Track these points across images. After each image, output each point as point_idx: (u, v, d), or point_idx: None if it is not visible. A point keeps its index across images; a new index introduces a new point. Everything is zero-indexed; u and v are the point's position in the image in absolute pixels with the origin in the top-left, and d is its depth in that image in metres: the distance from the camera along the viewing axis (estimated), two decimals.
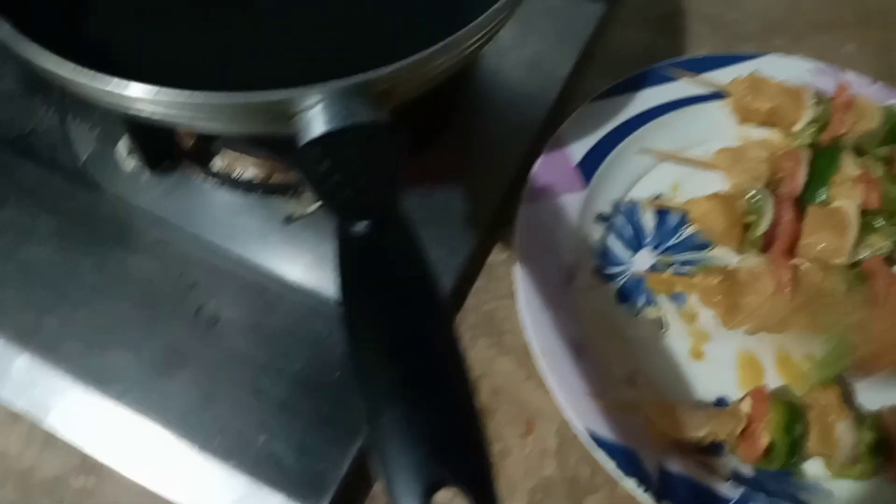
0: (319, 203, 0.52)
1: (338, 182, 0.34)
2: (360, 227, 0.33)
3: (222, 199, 0.53)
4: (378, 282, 0.32)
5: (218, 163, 0.53)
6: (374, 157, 0.35)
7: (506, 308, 0.50)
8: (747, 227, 0.51)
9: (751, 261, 0.50)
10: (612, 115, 0.55)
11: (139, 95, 0.36)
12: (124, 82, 0.36)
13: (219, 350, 0.46)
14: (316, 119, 0.37)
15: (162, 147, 0.52)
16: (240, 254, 0.50)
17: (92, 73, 0.36)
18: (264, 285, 0.48)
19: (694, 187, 0.54)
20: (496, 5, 0.40)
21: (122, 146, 0.54)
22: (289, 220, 0.52)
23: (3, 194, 0.51)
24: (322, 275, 0.49)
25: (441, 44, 0.38)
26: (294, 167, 0.37)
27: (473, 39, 0.40)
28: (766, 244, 0.50)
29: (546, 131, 0.56)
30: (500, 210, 0.53)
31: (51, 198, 0.52)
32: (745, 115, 0.56)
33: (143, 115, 0.39)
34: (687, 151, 0.55)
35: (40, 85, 0.57)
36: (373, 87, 0.38)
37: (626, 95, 0.56)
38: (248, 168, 0.53)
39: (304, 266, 0.49)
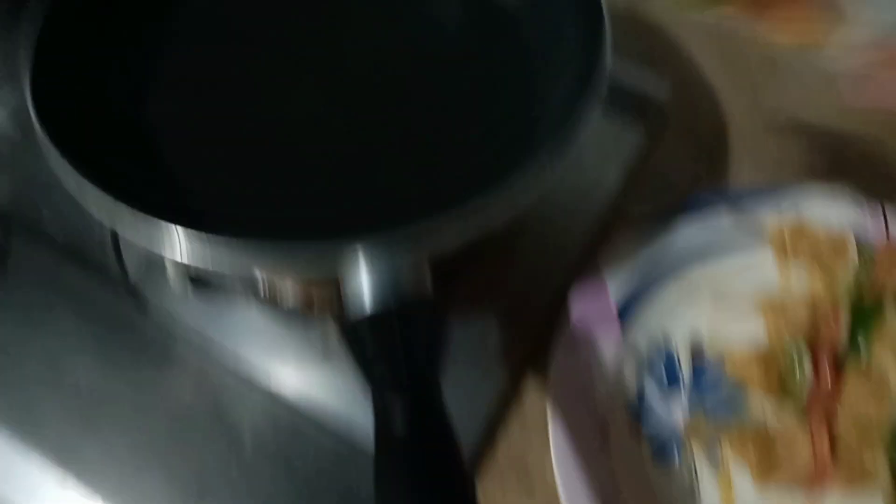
0: None
1: (382, 374, 0.35)
2: (401, 428, 0.33)
3: (263, 328, 0.53)
4: (414, 486, 0.32)
5: (261, 286, 0.54)
6: (419, 344, 0.36)
7: (538, 451, 0.50)
8: (785, 383, 0.50)
9: (788, 419, 0.49)
10: (651, 247, 0.55)
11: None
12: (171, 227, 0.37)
13: (248, 486, 0.46)
14: (363, 289, 0.38)
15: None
16: (276, 387, 0.51)
17: (143, 216, 0.37)
18: (298, 423, 0.49)
19: (731, 329, 0.54)
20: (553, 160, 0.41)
21: (169, 261, 0.55)
22: (327, 353, 0.53)
23: (52, 300, 0.53)
24: (355, 418, 0.49)
25: (498, 198, 0.39)
26: (341, 340, 0.38)
27: (528, 194, 0.40)
28: (806, 406, 0.49)
29: (585, 259, 0.56)
30: (536, 344, 0.53)
31: (97, 308, 0.53)
32: (786, 258, 0.56)
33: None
34: (724, 289, 0.55)
35: None
36: (420, 246, 0.39)
37: (665, 227, 0.56)
38: (289, 296, 0.54)
39: (340, 408, 0.50)
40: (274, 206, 0.45)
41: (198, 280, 0.54)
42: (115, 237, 0.56)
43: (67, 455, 0.47)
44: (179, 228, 0.37)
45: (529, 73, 0.51)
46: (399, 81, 0.52)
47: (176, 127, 0.49)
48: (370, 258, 0.38)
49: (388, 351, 0.35)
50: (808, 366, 0.49)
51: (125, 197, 0.38)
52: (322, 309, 0.53)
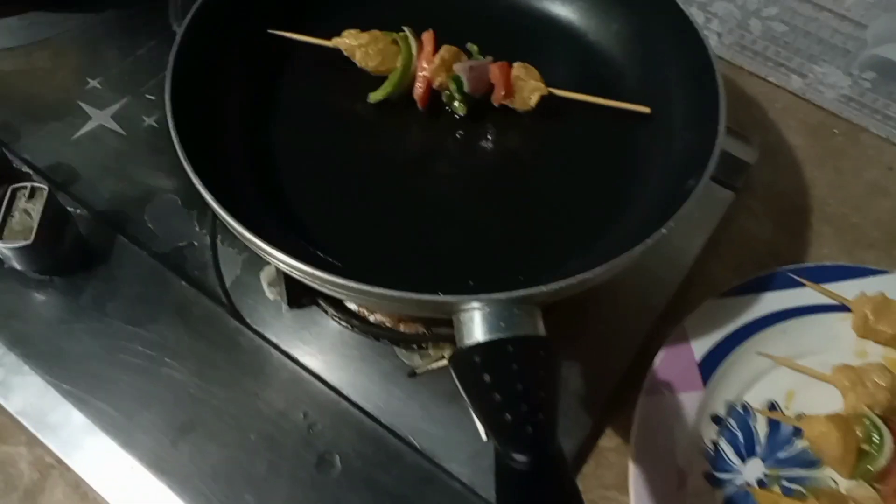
0: (444, 361, 0.54)
1: (499, 403, 0.36)
2: (520, 460, 0.34)
3: (350, 344, 0.55)
4: None
5: (351, 305, 0.56)
6: (535, 377, 0.37)
7: (611, 500, 0.51)
8: (861, 453, 0.51)
9: (862, 490, 0.50)
10: (735, 314, 0.56)
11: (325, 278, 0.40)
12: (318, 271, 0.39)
13: (335, 501, 0.48)
14: (475, 323, 0.40)
15: (305, 286, 0.55)
16: (362, 402, 0.52)
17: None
18: (383, 439, 0.50)
19: (809, 397, 0.55)
20: (655, 234, 0.42)
21: (265, 276, 0.57)
22: (412, 373, 0.54)
23: (156, 308, 0.55)
24: (439, 439, 0.51)
25: (609, 263, 0.41)
26: (452, 370, 0.39)
27: (637, 256, 0.42)
28: (879, 477, 0.50)
29: (666, 316, 0.57)
30: (616, 394, 0.54)
31: (196, 318, 0.55)
32: (867, 333, 0.57)
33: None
34: (804, 359, 0.56)
35: (196, 203, 0.61)
36: (531, 299, 0.40)
37: (750, 296, 0.57)
38: (376, 313, 0.55)
39: (423, 425, 0.51)
40: (400, 254, 0.49)
41: (292, 301, 0.56)
42: (215, 254, 0.59)
43: (159, 458, 0.49)
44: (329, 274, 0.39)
45: (640, 152, 0.53)
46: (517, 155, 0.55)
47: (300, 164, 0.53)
48: (486, 302, 0.40)
49: (504, 380, 0.36)
50: (886, 437, 0.50)
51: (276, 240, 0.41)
52: (412, 335, 0.55)
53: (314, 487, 0.48)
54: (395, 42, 0.54)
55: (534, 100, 0.52)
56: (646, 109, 0.53)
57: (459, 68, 0.52)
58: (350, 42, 0.54)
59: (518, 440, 0.34)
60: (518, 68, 0.53)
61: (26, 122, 0.65)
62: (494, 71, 0.52)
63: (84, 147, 0.64)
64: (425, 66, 0.53)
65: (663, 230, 0.42)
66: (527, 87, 0.52)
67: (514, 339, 0.38)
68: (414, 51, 0.53)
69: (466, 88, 0.52)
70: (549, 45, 0.57)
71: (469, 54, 0.55)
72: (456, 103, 0.54)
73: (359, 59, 0.54)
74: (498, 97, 0.52)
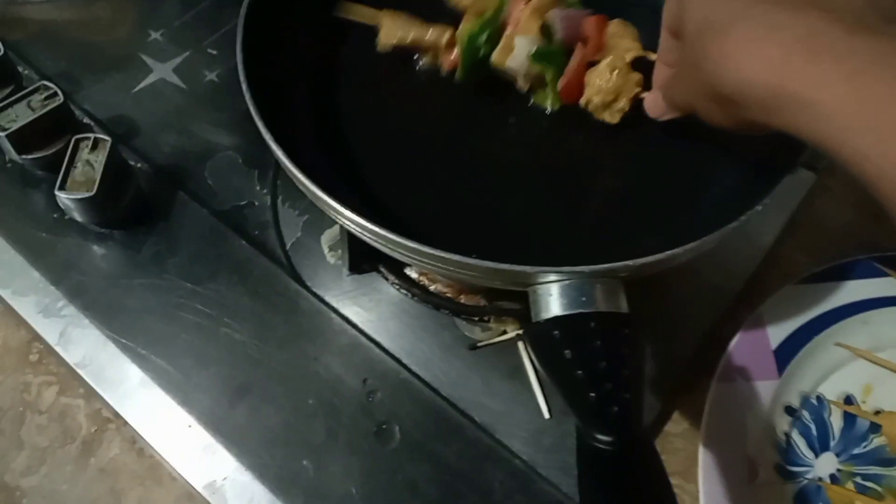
0: (506, 335, 0.52)
1: (582, 381, 0.34)
2: (605, 440, 0.32)
3: (411, 313, 0.54)
4: (621, 500, 0.32)
5: (412, 273, 0.55)
6: (619, 354, 0.35)
7: (676, 487, 0.49)
8: None
9: None
10: (814, 302, 0.54)
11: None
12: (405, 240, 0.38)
13: (392, 476, 0.47)
14: (553, 297, 0.38)
15: (368, 251, 0.54)
16: (422, 373, 0.51)
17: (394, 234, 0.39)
18: (443, 411, 0.49)
19: (887, 391, 0.52)
20: (749, 212, 0.40)
21: (325, 239, 0.56)
22: (473, 346, 0.53)
23: (216, 267, 0.54)
24: (500, 415, 0.49)
25: (701, 240, 0.38)
26: (528, 344, 0.37)
27: (729, 233, 0.39)
28: None
29: (740, 301, 0.55)
30: (685, 377, 0.52)
31: (255, 278, 0.54)
32: None
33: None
34: (884, 352, 0.53)
35: (257, 161, 0.59)
36: (615, 273, 0.38)
37: (830, 284, 0.55)
38: (437, 283, 0.54)
39: (484, 398, 0.50)
40: (469, 222, 0.47)
41: (353, 266, 0.54)
42: (275, 214, 0.58)
43: (216, 418, 0.48)
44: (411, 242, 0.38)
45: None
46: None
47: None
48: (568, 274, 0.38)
49: (587, 356, 0.34)
50: None
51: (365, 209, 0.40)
52: (473, 307, 0.53)
53: (373, 457, 0.47)
54: None
55: (628, 58, 0.49)
56: None
57: (554, 15, 0.49)
58: None
59: (603, 420, 0.33)
60: (615, 25, 0.50)
61: (87, 73, 0.64)
62: (590, 23, 0.49)
63: (145, 100, 0.63)
64: (522, 7, 0.50)
65: (758, 207, 0.40)
66: (620, 46, 0.49)
67: (597, 314, 0.36)
68: None
69: (558, 35, 0.49)
70: (627, 14, 0.54)
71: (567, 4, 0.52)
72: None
73: None
74: (589, 53, 0.49)
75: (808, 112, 0.29)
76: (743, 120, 0.33)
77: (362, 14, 0.52)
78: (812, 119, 0.29)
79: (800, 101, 0.29)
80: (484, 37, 0.49)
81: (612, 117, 0.49)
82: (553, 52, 0.49)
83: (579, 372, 0.34)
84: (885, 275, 0.55)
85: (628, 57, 0.48)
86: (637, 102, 0.49)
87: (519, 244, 0.46)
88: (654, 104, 0.45)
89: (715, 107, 0.35)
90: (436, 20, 0.51)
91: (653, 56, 0.50)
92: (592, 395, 0.33)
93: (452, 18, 0.50)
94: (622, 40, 0.49)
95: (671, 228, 0.45)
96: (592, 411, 0.33)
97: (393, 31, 0.51)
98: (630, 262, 0.37)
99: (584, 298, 0.37)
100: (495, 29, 0.49)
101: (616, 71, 0.48)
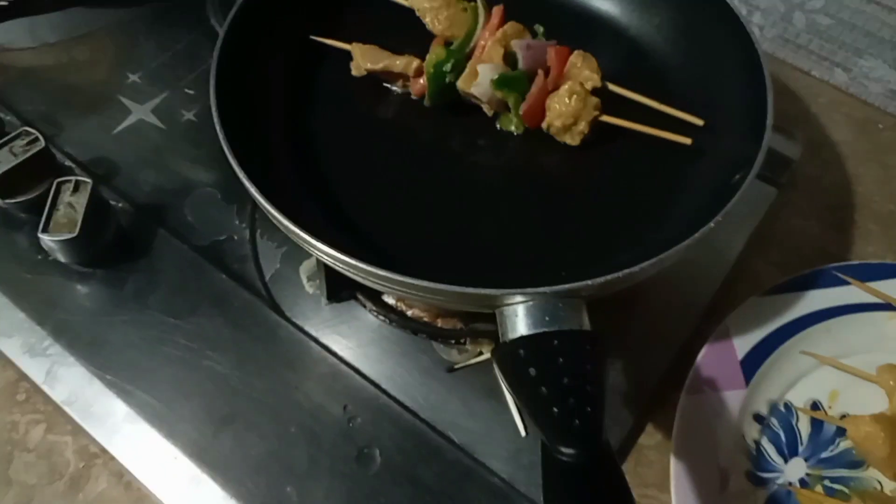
0: (482, 356, 0.54)
1: (546, 397, 0.36)
2: (568, 453, 0.34)
3: (389, 338, 0.55)
4: None
5: (389, 299, 0.56)
6: (582, 371, 0.37)
7: (651, 498, 0.50)
8: None
9: None
10: (779, 312, 0.55)
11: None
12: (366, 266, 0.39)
13: (375, 499, 0.48)
14: (519, 318, 0.39)
15: (345, 280, 0.55)
16: (401, 397, 0.52)
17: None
18: (423, 434, 0.50)
19: (853, 397, 0.54)
20: (703, 229, 0.42)
21: (304, 270, 0.58)
22: (451, 369, 0.54)
23: (197, 300, 0.55)
24: (479, 435, 0.50)
25: (656, 258, 0.40)
26: (496, 364, 0.39)
27: (683, 251, 0.41)
28: None
29: (709, 314, 0.57)
30: (657, 392, 0.54)
31: (236, 311, 0.55)
32: None
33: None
34: (849, 359, 0.55)
35: (235, 196, 0.61)
36: (577, 293, 0.40)
37: (794, 294, 0.56)
38: (414, 308, 0.55)
39: (462, 419, 0.51)
40: (441, 248, 0.49)
41: (331, 295, 0.56)
42: (254, 247, 0.59)
43: (200, 449, 0.49)
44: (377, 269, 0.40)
45: (685, 148, 0.52)
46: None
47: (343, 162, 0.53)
48: (531, 296, 0.40)
49: (550, 373, 0.36)
50: None
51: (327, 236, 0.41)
52: (450, 330, 0.55)
53: (355, 481, 0.48)
54: (465, 10, 0.54)
55: (588, 85, 0.51)
56: (698, 121, 0.52)
57: (517, 44, 0.52)
58: (423, 4, 0.55)
59: (566, 434, 0.34)
60: (577, 56, 0.52)
61: (68, 116, 0.66)
62: (551, 53, 0.52)
63: (125, 141, 0.64)
64: (487, 36, 0.52)
65: (711, 224, 0.42)
66: (581, 76, 0.51)
67: (560, 332, 0.38)
68: (481, 20, 0.53)
69: (521, 65, 0.52)
70: (590, 41, 0.56)
71: (534, 34, 0.54)
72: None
73: (429, 20, 0.55)
74: (551, 81, 0.51)
75: None
76: None
77: (335, 42, 0.54)
78: None
79: None
80: (449, 65, 0.51)
81: (572, 139, 0.51)
82: (515, 79, 0.51)
83: (543, 389, 0.36)
84: (847, 283, 0.57)
85: (588, 85, 0.50)
86: (596, 125, 0.51)
87: (490, 267, 0.48)
88: None
89: None
90: (405, 49, 0.53)
91: (612, 86, 0.52)
92: (556, 409, 0.35)
93: (421, 49, 0.53)
94: (582, 70, 0.52)
95: (637, 247, 0.47)
96: (556, 425, 0.34)
97: (363, 61, 0.53)
98: (589, 282, 0.39)
99: (547, 318, 0.39)
100: (461, 57, 0.52)
101: (575, 96, 0.50)
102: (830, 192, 0.65)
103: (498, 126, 0.54)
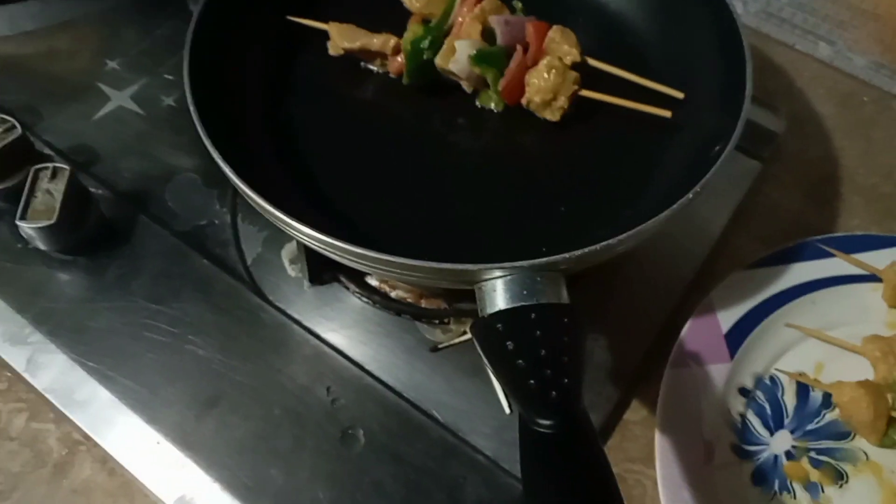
0: (466, 336, 0.54)
1: (523, 370, 0.35)
2: (545, 424, 0.34)
3: (372, 320, 0.55)
4: (561, 480, 0.33)
5: (372, 281, 0.56)
6: (559, 343, 0.36)
7: (637, 473, 0.50)
8: (891, 422, 0.50)
9: (893, 458, 0.49)
10: (763, 285, 0.55)
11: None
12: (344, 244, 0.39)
13: (359, 473, 0.48)
14: (498, 293, 0.39)
15: (326, 262, 0.55)
16: (385, 377, 0.52)
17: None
18: (407, 413, 0.50)
19: (838, 369, 0.54)
20: (680, 201, 0.42)
21: (286, 253, 0.57)
22: (434, 348, 0.54)
23: (179, 286, 0.55)
24: (463, 413, 0.50)
25: (633, 230, 0.40)
26: (475, 339, 0.39)
27: (662, 223, 0.41)
28: None
29: (693, 289, 0.57)
30: (642, 367, 0.53)
31: (218, 295, 0.55)
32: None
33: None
34: (834, 331, 0.55)
35: (216, 181, 0.61)
36: (555, 266, 0.40)
37: (778, 267, 0.56)
38: (398, 289, 0.55)
39: (447, 398, 0.51)
40: (420, 226, 0.49)
41: (314, 278, 0.56)
42: (236, 231, 0.59)
43: (184, 433, 0.49)
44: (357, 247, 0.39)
45: (665, 121, 0.52)
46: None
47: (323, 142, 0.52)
48: (508, 270, 0.39)
49: (527, 346, 0.36)
50: None
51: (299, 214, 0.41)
52: (433, 310, 0.55)
53: (339, 461, 0.48)
54: None
55: (566, 61, 0.51)
56: (679, 94, 0.52)
57: (495, 20, 0.51)
58: None
59: (543, 405, 0.34)
60: (555, 31, 0.52)
61: (47, 104, 0.65)
62: (530, 29, 0.51)
63: (104, 128, 0.64)
64: (465, 12, 0.52)
65: (689, 195, 0.41)
66: (559, 51, 0.51)
67: (537, 305, 0.38)
68: None
69: (499, 41, 0.51)
70: (569, 16, 0.56)
71: (513, 10, 0.54)
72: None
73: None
74: (529, 57, 0.51)
75: None
76: None
77: (311, 22, 0.54)
78: None
79: None
80: (427, 42, 0.51)
81: (552, 115, 0.51)
82: (493, 54, 0.50)
83: (520, 361, 0.36)
84: (831, 255, 0.57)
85: (567, 60, 0.50)
86: (576, 100, 0.51)
87: (472, 244, 0.47)
88: None
89: None
90: (382, 29, 0.53)
91: (591, 61, 0.52)
92: (532, 381, 0.35)
93: (399, 28, 0.52)
94: (561, 45, 0.51)
95: (618, 220, 0.46)
96: (533, 397, 0.34)
97: (340, 40, 0.52)
98: (567, 255, 0.39)
99: (525, 292, 0.39)
100: (439, 34, 0.51)
101: (554, 70, 0.49)
102: (814, 165, 0.65)
103: (478, 104, 0.54)
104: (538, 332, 0.37)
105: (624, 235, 0.40)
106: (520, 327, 0.37)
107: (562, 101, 0.51)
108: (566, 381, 0.35)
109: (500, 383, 0.37)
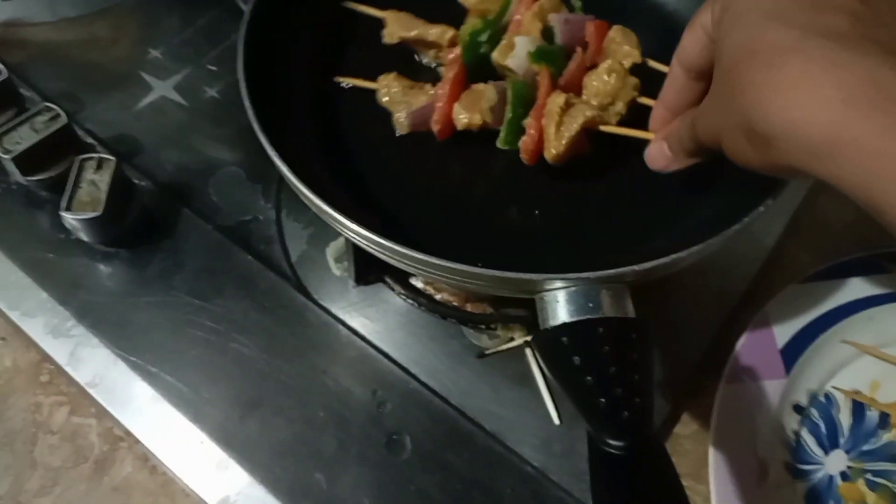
0: (513, 342, 0.53)
1: (592, 387, 0.34)
2: (617, 445, 0.33)
3: (418, 323, 0.54)
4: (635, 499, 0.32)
5: (417, 283, 0.55)
6: (628, 360, 0.35)
7: (687, 488, 0.49)
8: None
9: None
10: (819, 300, 0.54)
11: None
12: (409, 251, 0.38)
13: (404, 487, 0.47)
14: (560, 304, 0.38)
15: (373, 262, 0.54)
16: (430, 382, 0.51)
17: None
18: (453, 420, 0.49)
19: (894, 387, 0.52)
20: (753, 213, 0.40)
21: (331, 252, 0.56)
22: (481, 354, 0.53)
23: (222, 282, 0.54)
24: (510, 422, 0.49)
25: (705, 243, 0.39)
26: (536, 351, 0.38)
27: (733, 235, 0.40)
28: None
29: (745, 301, 0.55)
30: (693, 379, 0.52)
31: (262, 293, 0.54)
32: None
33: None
34: (891, 348, 0.53)
35: (260, 176, 0.60)
36: (621, 278, 0.39)
37: (834, 281, 0.55)
38: (443, 292, 0.54)
39: (493, 406, 0.50)
40: (473, 232, 0.47)
41: (359, 277, 0.55)
42: (280, 228, 0.58)
43: (227, 434, 0.48)
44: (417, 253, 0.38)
45: None
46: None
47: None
48: (573, 281, 0.38)
49: (596, 362, 0.35)
50: None
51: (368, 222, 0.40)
52: (480, 315, 0.54)
53: (384, 468, 0.47)
54: None
55: (626, 64, 0.49)
56: None
57: (555, 18, 0.50)
58: None
59: (614, 425, 0.33)
60: (616, 31, 0.51)
61: (89, 93, 0.64)
62: (590, 28, 0.50)
63: (146, 118, 0.63)
64: (523, 10, 0.50)
65: (761, 209, 0.40)
66: (620, 52, 0.50)
67: (605, 319, 0.37)
68: None
69: (558, 40, 0.50)
70: (627, 16, 0.54)
71: (571, 9, 0.52)
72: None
73: None
74: (588, 57, 0.50)
75: (864, 163, 0.26)
76: (777, 162, 0.30)
77: (368, 9, 0.53)
78: (869, 171, 0.26)
79: (856, 151, 0.26)
80: (485, 35, 0.49)
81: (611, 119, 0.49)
82: (552, 52, 0.49)
83: (589, 378, 0.34)
84: (889, 271, 0.56)
85: (627, 63, 0.49)
86: (634, 107, 0.49)
87: (526, 251, 0.46)
88: (659, 154, 0.42)
89: (746, 145, 0.31)
90: (439, 21, 0.51)
91: (652, 63, 0.50)
92: (603, 400, 0.34)
93: (455, 20, 0.51)
94: (621, 46, 0.50)
95: (676, 232, 0.45)
96: (603, 417, 0.33)
97: (397, 28, 0.51)
98: (636, 267, 0.37)
99: (591, 304, 0.38)
100: (497, 29, 0.50)
101: (614, 74, 0.48)
102: None
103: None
104: (606, 348, 0.35)
105: (695, 248, 0.38)
106: (587, 342, 0.36)
107: (619, 107, 0.49)
108: (638, 400, 0.34)
109: (568, 400, 0.36)
